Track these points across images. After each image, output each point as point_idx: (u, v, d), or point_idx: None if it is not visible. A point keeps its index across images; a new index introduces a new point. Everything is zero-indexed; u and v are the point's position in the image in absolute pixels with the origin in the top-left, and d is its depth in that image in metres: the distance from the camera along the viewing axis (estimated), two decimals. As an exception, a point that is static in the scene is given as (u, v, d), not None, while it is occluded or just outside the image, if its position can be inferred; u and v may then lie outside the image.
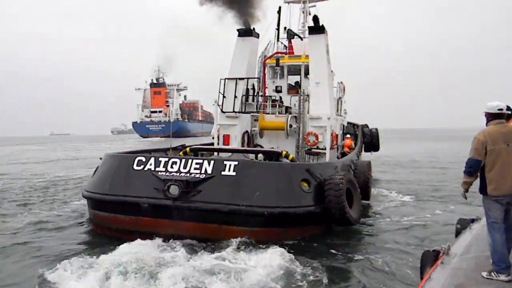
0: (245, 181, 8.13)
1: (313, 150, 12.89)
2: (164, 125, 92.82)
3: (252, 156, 11.29)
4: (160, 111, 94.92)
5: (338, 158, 13.85)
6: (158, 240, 7.53)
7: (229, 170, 8.21)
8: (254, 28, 14.16)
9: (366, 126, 21.10)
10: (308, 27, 14.59)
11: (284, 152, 10.56)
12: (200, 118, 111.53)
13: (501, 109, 4.27)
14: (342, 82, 17.84)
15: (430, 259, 4.49)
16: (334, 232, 8.70)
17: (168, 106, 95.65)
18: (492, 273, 3.96)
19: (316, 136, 12.87)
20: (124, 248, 6.99)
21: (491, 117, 4.31)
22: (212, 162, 8.47)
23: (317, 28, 13.69)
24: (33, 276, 6.26)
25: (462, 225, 5.58)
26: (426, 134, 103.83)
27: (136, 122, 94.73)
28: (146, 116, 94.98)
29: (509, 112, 4.58)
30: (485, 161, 4.16)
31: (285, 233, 8.08)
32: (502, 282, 3.86)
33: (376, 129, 21.31)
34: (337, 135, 14.23)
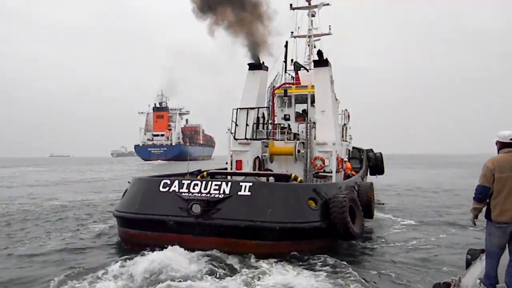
0: (259, 200, 9.06)
1: (320, 173, 13.81)
2: (166, 149, 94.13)
3: (263, 179, 12.22)
4: (162, 135, 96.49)
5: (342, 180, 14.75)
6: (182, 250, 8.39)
7: (244, 191, 9.17)
8: (263, 62, 15.37)
9: (371, 150, 22.15)
10: (313, 60, 15.81)
11: (293, 175, 11.50)
12: (201, 142, 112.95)
13: None
14: (346, 110, 19.02)
15: None
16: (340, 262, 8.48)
17: (170, 129, 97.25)
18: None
19: (323, 161, 13.82)
20: (154, 255, 7.87)
21: (502, 146, 4.42)
22: (229, 184, 9.41)
23: (321, 62, 14.89)
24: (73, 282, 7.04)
25: (473, 256, 5.46)
26: (425, 160, 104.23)
27: (138, 145, 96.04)
28: (149, 140, 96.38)
29: None
30: (492, 188, 4.27)
31: (295, 246, 8.90)
32: None
33: (380, 154, 22.35)
34: (342, 159, 15.17)
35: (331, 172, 13.56)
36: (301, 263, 8.07)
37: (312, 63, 16.30)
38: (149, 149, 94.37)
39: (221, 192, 9.20)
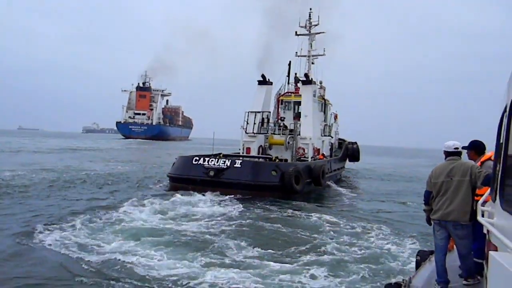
0: (245, 169, 16.02)
1: (301, 158, 20.72)
2: (146, 128, 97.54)
3: (260, 160, 18.99)
4: (144, 114, 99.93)
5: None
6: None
7: (237, 164, 16.14)
8: (268, 79, 21.97)
9: (355, 143, 29.41)
10: (301, 80, 22.53)
11: (274, 157, 18.46)
12: (180, 123, 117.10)
13: (457, 148, 4.76)
14: (335, 111, 26.78)
15: None
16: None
17: (151, 109, 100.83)
18: (436, 285, 4.52)
19: (303, 150, 20.78)
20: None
21: (447, 154, 4.78)
22: (229, 160, 16.32)
23: (307, 81, 21.72)
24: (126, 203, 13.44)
25: (422, 257, 5.69)
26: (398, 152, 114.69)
27: (120, 122, 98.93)
28: (130, 117, 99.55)
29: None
30: (433, 193, 4.74)
31: (262, 194, 15.53)
32: None
33: (357, 145, 29.58)
34: (318, 149, 22.12)
35: (308, 158, 20.50)
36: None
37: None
38: (130, 126, 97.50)
39: (225, 164, 16.15)
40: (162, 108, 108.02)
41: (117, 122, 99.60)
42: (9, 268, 7.46)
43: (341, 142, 28.97)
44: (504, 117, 3.03)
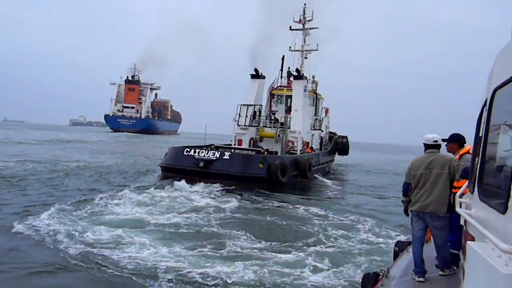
0: (233, 161, 16.57)
1: (291, 151, 21.28)
2: (135, 121, 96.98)
3: (250, 152, 19.45)
4: (133, 107, 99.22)
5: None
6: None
7: (226, 156, 16.68)
8: (261, 73, 22.42)
9: (345, 137, 30.09)
10: (293, 75, 23.03)
11: (262, 150, 18.98)
12: (169, 117, 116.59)
13: (436, 141, 4.83)
14: (327, 106, 27.65)
15: (370, 281, 4.76)
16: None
17: (140, 103, 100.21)
18: (413, 275, 4.62)
19: (293, 143, 21.35)
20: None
21: (426, 147, 4.85)
22: (219, 151, 16.85)
23: (298, 77, 22.24)
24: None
25: (400, 248, 5.80)
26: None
27: (108, 115, 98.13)
28: (118, 111, 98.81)
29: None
30: (412, 184, 4.80)
31: (250, 186, 16.12)
32: (420, 282, 4.52)
33: (347, 139, 30.17)
34: (307, 143, 22.71)
35: (297, 151, 21.08)
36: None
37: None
38: (118, 119, 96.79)
39: (214, 156, 16.70)
40: (151, 102, 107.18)
41: (105, 115, 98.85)
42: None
43: (332, 136, 29.64)
44: (484, 110, 3.06)
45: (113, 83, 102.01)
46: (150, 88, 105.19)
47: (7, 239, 8.51)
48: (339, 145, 29.20)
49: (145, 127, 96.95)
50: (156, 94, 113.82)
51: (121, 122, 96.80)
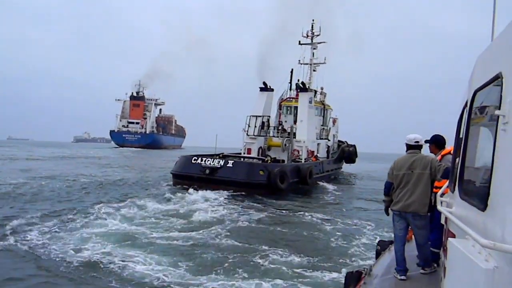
0: (236, 168, 17.71)
1: (296, 160, 22.45)
2: (140, 136, 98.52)
3: (256, 160, 20.56)
4: (138, 123, 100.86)
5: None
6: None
7: (230, 164, 17.84)
8: (269, 86, 23.85)
9: (353, 146, 31.05)
10: (299, 88, 24.39)
11: (267, 158, 20.25)
12: (173, 132, 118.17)
13: (418, 141, 4.91)
14: (335, 116, 29.05)
15: (353, 279, 4.79)
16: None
17: (145, 118, 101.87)
18: (395, 273, 4.69)
19: (298, 151, 22.57)
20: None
21: (408, 147, 4.92)
22: (223, 160, 18.00)
23: (304, 89, 23.60)
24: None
25: (382, 247, 5.83)
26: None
27: (113, 130, 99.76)
28: (124, 126, 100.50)
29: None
30: (394, 184, 4.88)
31: (251, 191, 17.18)
32: (402, 280, 4.59)
33: (354, 148, 31.00)
34: (312, 152, 23.92)
35: (302, 159, 22.28)
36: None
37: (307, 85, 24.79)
38: (124, 135, 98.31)
39: (219, 164, 17.84)
40: (156, 117, 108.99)
41: (111, 131, 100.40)
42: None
43: (340, 144, 30.63)
44: (465, 112, 3.10)
45: (118, 100, 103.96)
46: (155, 104, 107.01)
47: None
48: (346, 154, 29.95)
49: (150, 142, 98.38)
50: (160, 110, 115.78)
51: (126, 138, 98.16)
